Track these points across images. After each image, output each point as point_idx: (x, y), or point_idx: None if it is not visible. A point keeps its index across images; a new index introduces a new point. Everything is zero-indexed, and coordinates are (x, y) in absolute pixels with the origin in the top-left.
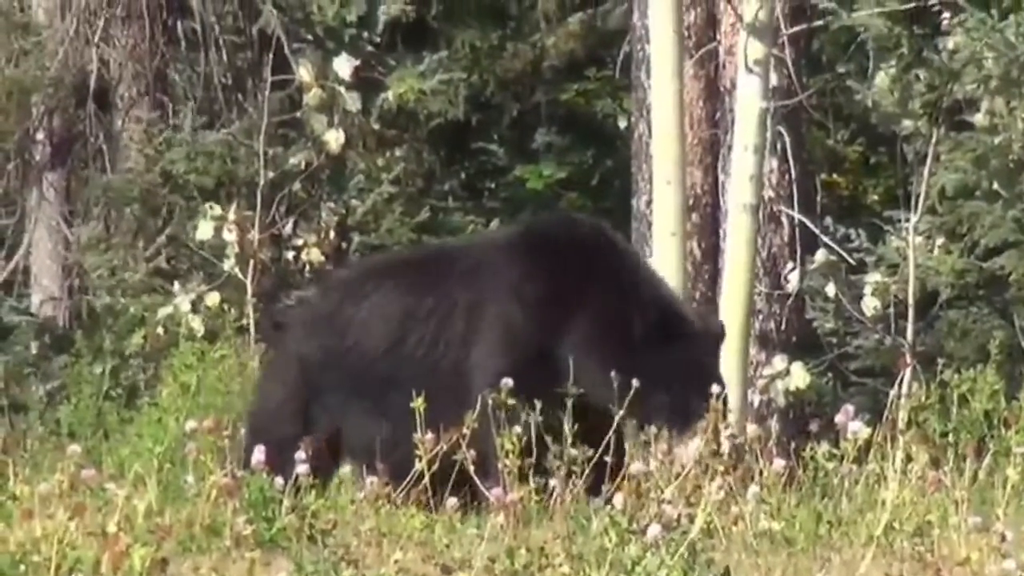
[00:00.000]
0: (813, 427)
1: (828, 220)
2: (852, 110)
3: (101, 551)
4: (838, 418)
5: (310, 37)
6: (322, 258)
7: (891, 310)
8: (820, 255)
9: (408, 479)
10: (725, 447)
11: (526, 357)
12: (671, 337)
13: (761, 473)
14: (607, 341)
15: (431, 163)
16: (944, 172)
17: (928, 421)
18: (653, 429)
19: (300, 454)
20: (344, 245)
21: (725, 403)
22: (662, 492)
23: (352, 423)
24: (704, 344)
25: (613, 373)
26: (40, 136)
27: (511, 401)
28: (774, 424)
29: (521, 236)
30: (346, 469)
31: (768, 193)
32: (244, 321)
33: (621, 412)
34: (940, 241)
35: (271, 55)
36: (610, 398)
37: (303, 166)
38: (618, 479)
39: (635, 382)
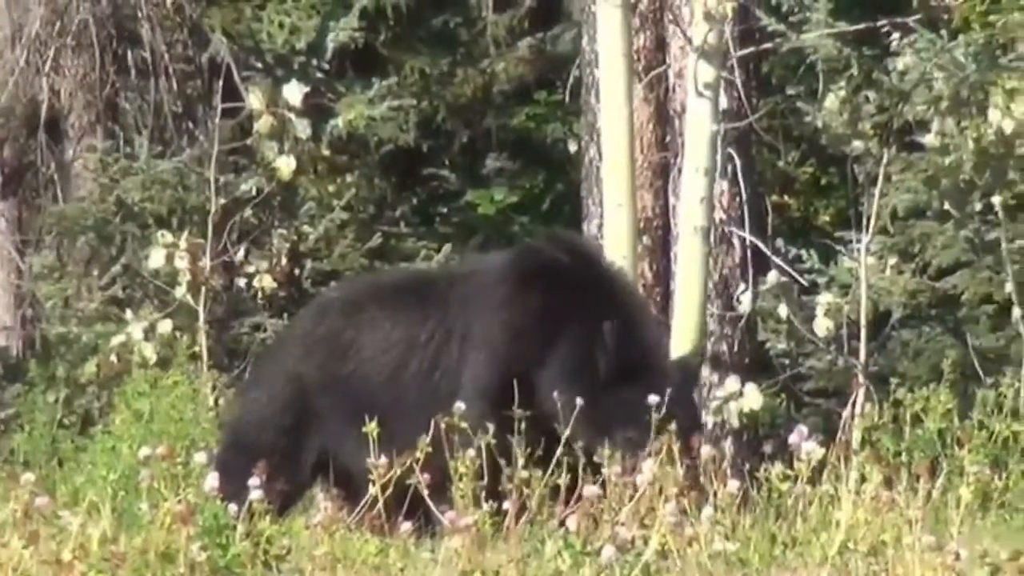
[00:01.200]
0: (767, 448)
1: (779, 241)
2: (802, 131)
3: None
4: (791, 439)
5: (260, 65)
6: (274, 284)
7: (843, 331)
8: (772, 276)
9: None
10: (679, 469)
11: (508, 384)
12: (645, 371)
13: (715, 494)
14: (581, 374)
15: (382, 189)
16: (895, 192)
17: (881, 441)
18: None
19: (254, 479)
20: (296, 271)
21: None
22: (616, 514)
23: (350, 450)
24: (677, 380)
25: (582, 404)
26: None
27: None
28: (728, 445)
29: (512, 262)
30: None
31: (719, 215)
32: (196, 348)
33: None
34: (892, 261)
35: (221, 83)
36: (580, 430)
37: (254, 193)
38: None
39: (604, 416)
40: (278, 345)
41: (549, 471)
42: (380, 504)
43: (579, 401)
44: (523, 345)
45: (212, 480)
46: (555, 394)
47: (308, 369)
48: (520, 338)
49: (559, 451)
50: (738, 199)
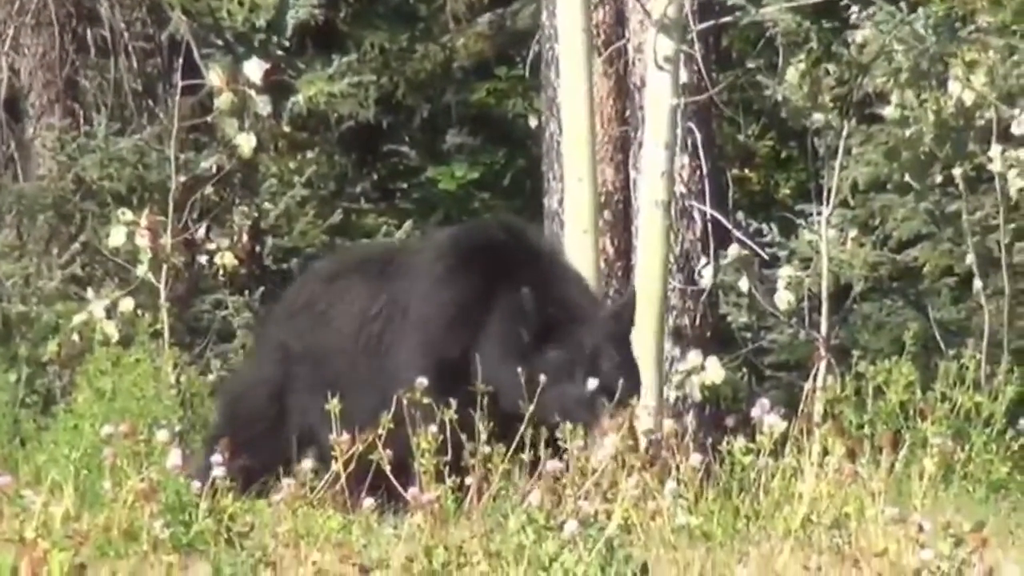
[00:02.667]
0: (729, 422)
1: (740, 215)
2: (762, 105)
3: (19, 557)
4: (753, 412)
5: (220, 42)
6: (235, 262)
7: (805, 304)
8: (733, 250)
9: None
10: (641, 443)
11: (442, 360)
12: (575, 328)
13: (678, 468)
14: (509, 346)
15: (343, 165)
16: (855, 165)
17: (844, 414)
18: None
19: (216, 456)
20: (257, 248)
21: (636, 395)
22: (579, 488)
23: (318, 421)
24: (607, 327)
25: (519, 371)
26: None
27: (426, 400)
28: (690, 419)
29: (449, 238)
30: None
31: (680, 189)
32: (158, 326)
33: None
34: (853, 234)
35: (181, 61)
36: (517, 398)
37: (215, 170)
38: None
39: (540, 378)
40: (269, 315)
41: (510, 448)
42: (342, 480)
43: (510, 372)
44: (456, 326)
45: (175, 458)
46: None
47: (290, 338)
48: (452, 319)
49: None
50: (699, 173)
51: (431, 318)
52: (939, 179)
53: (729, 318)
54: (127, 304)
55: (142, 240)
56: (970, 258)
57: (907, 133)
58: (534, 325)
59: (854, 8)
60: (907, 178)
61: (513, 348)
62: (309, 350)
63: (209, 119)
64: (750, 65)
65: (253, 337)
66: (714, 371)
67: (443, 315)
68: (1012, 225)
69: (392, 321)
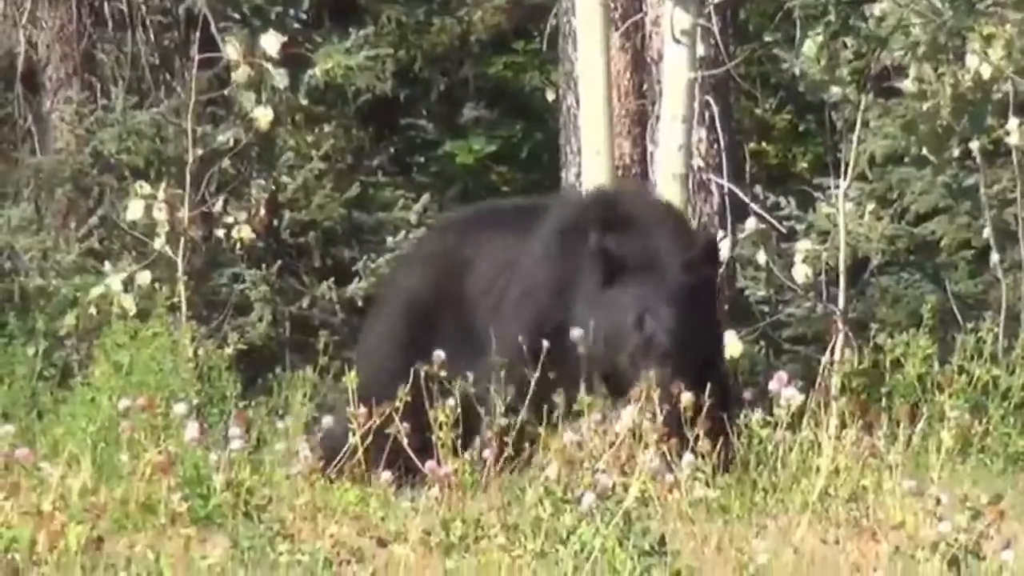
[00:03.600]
0: (746, 395)
1: (758, 188)
2: (780, 78)
3: (36, 530)
4: (771, 385)
5: (236, 15)
6: (253, 235)
7: (822, 277)
8: (750, 223)
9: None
10: (659, 415)
11: (541, 323)
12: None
13: (696, 440)
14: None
15: (360, 139)
16: (873, 139)
17: (861, 387)
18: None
19: (235, 429)
20: (275, 222)
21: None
22: (596, 461)
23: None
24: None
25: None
26: None
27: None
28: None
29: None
30: None
31: (697, 162)
32: (175, 299)
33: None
34: (870, 207)
35: (198, 34)
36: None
37: (232, 144)
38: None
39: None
40: (398, 264)
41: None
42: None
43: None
44: (555, 292)
45: (192, 430)
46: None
47: (424, 286)
48: (553, 285)
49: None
50: (716, 146)
51: (534, 282)
52: (956, 152)
53: (746, 291)
54: (144, 277)
55: (159, 213)
56: (987, 231)
57: (924, 107)
58: (601, 272)
59: None
60: (924, 151)
61: (587, 297)
62: (447, 297)
63: (226, 92)
64: (767, 38)
65: (379, 289)
66: (731, 344)
67: (544, 283)
68: None
69: (513, 277)
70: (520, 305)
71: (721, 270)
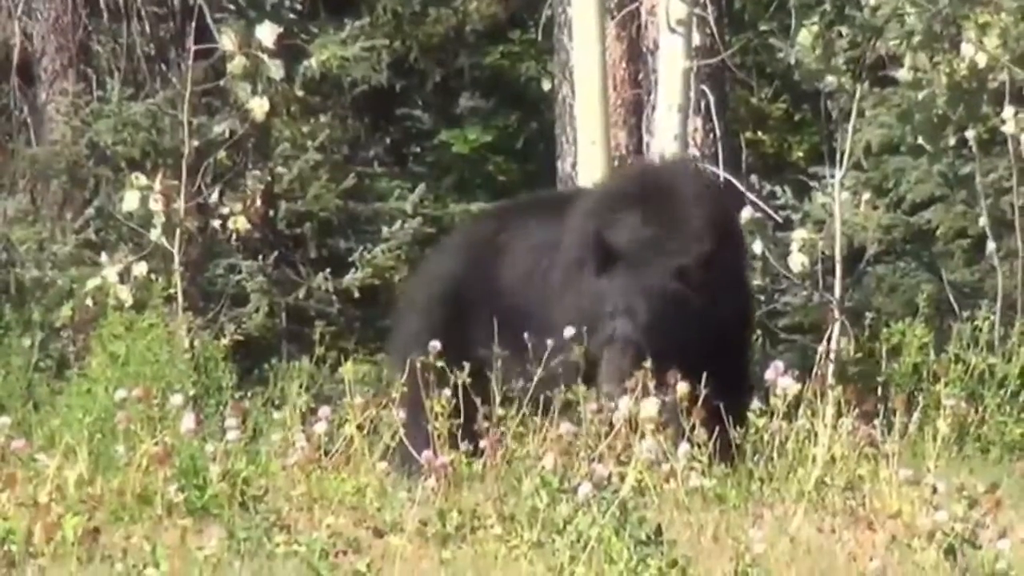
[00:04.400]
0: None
1: (753, 178)
2: (775, 68)
3: (33, 521)
4: (767, 375)
5: (232, 6)
6: (249, 226)
7: (818, 266)
8: (746, 213)
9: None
10: (655, 405)
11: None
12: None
13: (692, 430)
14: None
15: (356, 129)
16: (868, 128)
17: (857, 376)
18: None
19: (231, 420)
20: (271, 213)
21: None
22: (593, 451)
23: (489, 354)
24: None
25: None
26: None
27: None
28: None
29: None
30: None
31: (693, 152)
32: (171, 290)
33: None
34: (866, 196)
35: (193, 25)
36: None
37: (228, 135)
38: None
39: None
40: (436, 250)
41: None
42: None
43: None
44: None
45: (189, 421)
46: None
47: (463, 271)
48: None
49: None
50: (711, 136)
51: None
52: (952, 141)
53: None
54: (141, 269)
55: (155, 205)
56: (983, 220)
57: (920, 95)
58: (595, 263)
59: None
60: (920, 140)
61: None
62: (483, 283)
63: (222, 83)
64: (763, 28)
65: (416, 275)
66: None
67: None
68: None
69: (556, 259)
70: (565, 288)
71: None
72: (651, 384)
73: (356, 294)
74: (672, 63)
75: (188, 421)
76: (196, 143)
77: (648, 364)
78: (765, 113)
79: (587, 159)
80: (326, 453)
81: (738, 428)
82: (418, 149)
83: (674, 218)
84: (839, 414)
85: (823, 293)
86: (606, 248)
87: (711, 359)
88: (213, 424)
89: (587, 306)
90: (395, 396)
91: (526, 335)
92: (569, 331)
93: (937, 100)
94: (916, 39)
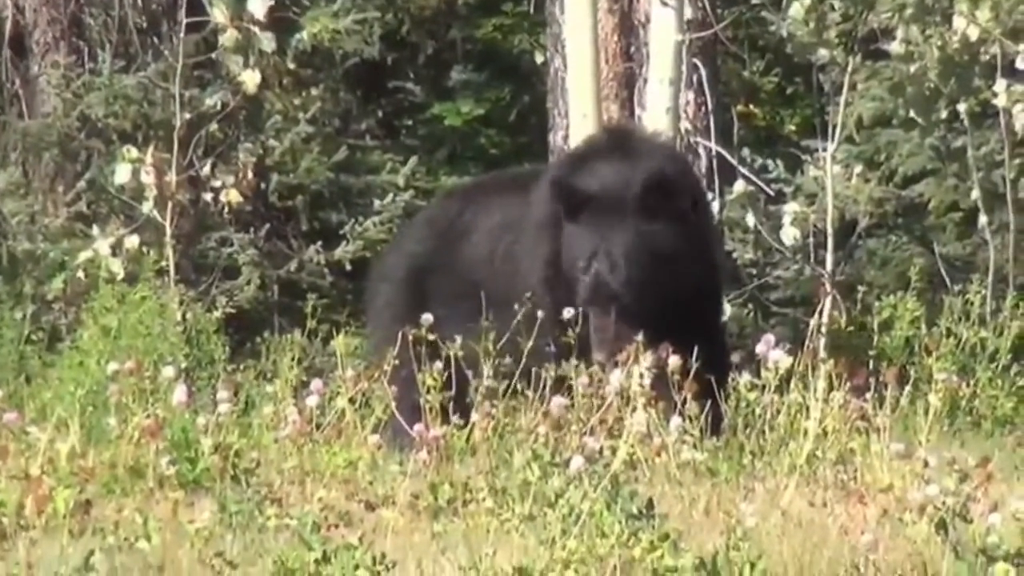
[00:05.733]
0: (734, 358)
1: (745, 151)
2: (767, 41)
3: (24, 494)
4: (759, 348)
5: None
6: (240, 199)
7: (810, 240)
8: (738, 186)
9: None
10: (647, 378)
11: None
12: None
13: (684, 403)
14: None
15: (348, 102)
16: (861, 101)
17: (849, 349)
18: None
19: (223, 393)
20: (262, 185)
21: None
22: (584, 424)
23: (452, 333)
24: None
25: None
26: None
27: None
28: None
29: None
30: None
31: (685, 125)
32: (163, 263)
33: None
34: (858, 170)
35: None
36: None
37: (219, 107)
38: None
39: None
40: (401, 232)
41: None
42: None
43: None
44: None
45: (181, 394)
46: None
47: (427, 252)
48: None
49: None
50: (703, 109)
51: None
52: (944, 115)
53: (735, 254)
54: (132, 241)
55: (147, 177)
56: (975, 193)
57: (912, 69)
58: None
59: None
60: (912, 114)
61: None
62: (447, 263)
63: (213, 56)
64: (755, 1)
65: (382, 256)
66: None
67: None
68: (1017, 160)
69: (521, 234)
70: (536, 247)
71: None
72: (643, 355)
73: (348, 267)
74: (664, 36)
75: (180, 394)
76: (188, 116)
77: (638, 335)
78: (757, 86)
79: (579, 132)
80: (318, 426)
81: (719, 397)
82: (410, 122)
83: (637, 163)
84: (831, 388)
85: (815, 266)
86: (574, 192)
87: (685, 325)
88: (205, 397)
89: (563, 254)
90: (372, 370)
91: (488, 313)
92: (569, 312)
93: (929, 73)
94: (908, 12)
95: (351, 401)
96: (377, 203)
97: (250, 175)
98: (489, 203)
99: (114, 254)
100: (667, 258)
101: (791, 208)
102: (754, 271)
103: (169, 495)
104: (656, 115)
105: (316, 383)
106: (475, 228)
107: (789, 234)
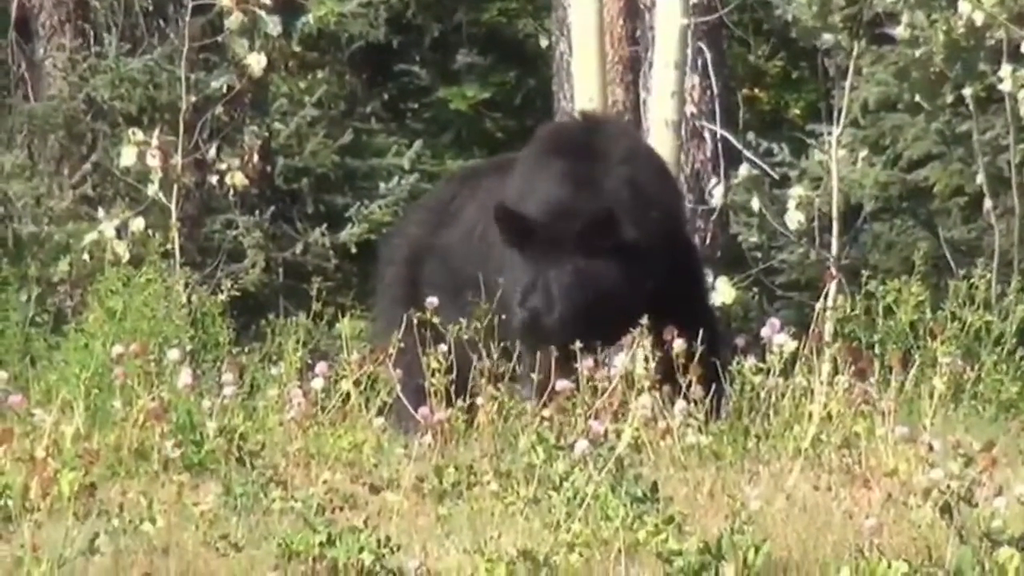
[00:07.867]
0: (739, 341)
1: (751, 135)
2: (772, 25)
3: (29, 476)
4: (764, 332)
5: None
6: (246, 182)
7: (815, 223)
8: (743, 170)
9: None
10: (651, 362)
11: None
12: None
13: (689, 387)
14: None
15: (353, 85)
16: (866, 85)
17: (854, 333)
18: None
19: (228, 375)
20: (268, 168)
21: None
22: (589, 408)
23: (442, 316)
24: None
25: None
26: None
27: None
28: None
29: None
30: None
31: (690, 109)
32: (169, 246)
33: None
34: (863, 154)
35: None
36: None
37: (225, 90)
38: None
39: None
40: (407, 213)
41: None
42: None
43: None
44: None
45: (186, 376)
46: None
47: (424, 235)
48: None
49: None
50: (709, 93)
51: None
52: (949, 99)
53: (740, 238)
54: (138, 224)
55: (153, 160)
56: (980, 178)
57: (917, 53)
58: (505, 236)
59: None
60: (917, 98)
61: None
62: (438, 246)
63: (219, 39)
64: None
65: (387, 243)
66: (725, 291)
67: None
68: (1022, 145)
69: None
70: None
71: (713, 218)
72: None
73: (353, 250)
74: (669, 20)
75: (185, 377)
76: (194, 99)
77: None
78: (762, 70)
79: None
80: (323, 409)
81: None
82: (415, 105)
83: (587, 189)
84: (835, 371)
85: (820, 250)
86: (517, 220)
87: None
88: (210, 380)
89: (504, 278)
90: (379, 353)
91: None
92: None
93: (934, 58)
94: None
95: (356, 384)
96: (382, 186)
97: (255, 158)
98: (477, 187)
99: (119, 236)
100: (609, 295)
101: (796, 192)
102: (759, 255)
103: (174, 478)
104: (661, 99)
105: (321, 366)
106: (462, 212)
107: (794, 218)
